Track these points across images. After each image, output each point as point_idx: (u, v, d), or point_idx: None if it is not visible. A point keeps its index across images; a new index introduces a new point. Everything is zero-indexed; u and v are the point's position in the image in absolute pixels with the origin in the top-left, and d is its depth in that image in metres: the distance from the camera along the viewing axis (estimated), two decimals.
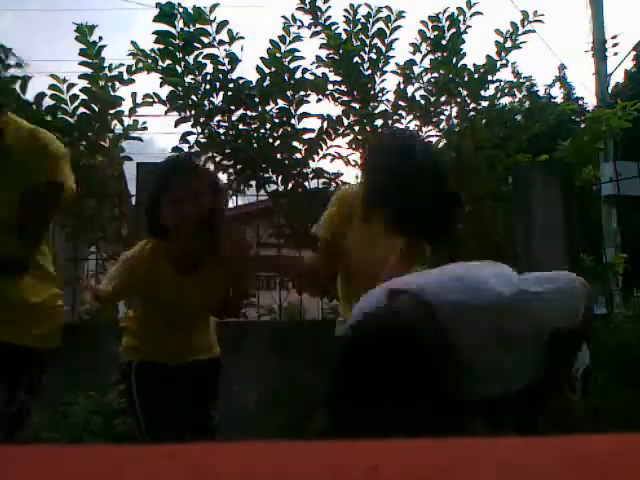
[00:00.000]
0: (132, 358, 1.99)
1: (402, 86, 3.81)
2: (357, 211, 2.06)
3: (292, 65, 3.65)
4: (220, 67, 3.60)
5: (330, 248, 2.03)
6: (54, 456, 0.40)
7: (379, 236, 1.99)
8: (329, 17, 3.74)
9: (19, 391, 1.64)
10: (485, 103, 3.97)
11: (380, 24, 3.68)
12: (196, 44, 3.55)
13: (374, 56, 3.72)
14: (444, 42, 3.75)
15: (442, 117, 3.94)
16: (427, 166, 1.68)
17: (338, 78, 3.77)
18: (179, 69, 3.59)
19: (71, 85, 3.51)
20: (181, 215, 1.83)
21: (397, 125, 3.84)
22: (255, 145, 3.69)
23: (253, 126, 3.72)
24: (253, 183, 3.83)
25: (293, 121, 3.71)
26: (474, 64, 3.83)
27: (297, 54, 3.64)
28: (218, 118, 3.70)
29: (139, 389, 1.95)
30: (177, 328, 1.97)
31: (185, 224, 1.84)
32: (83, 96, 3.54)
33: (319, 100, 3.81)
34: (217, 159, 3.75)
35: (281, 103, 3.70)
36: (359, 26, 3.69)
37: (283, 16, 3.66)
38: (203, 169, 2.06)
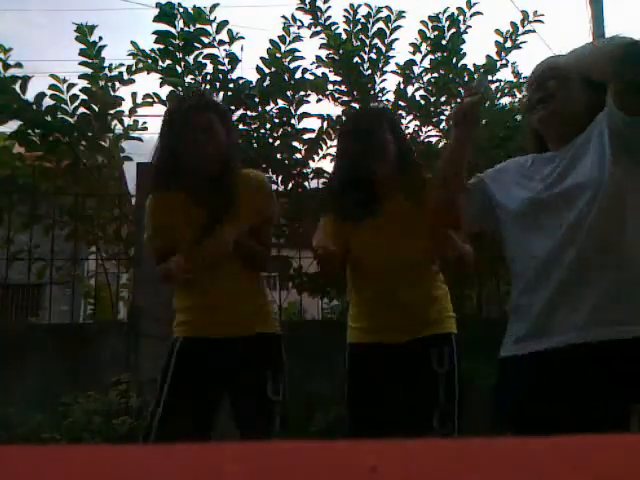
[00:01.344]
0: (178, 334, 1.86)
1: (402, 86, 3.82)
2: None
3: (292, 65, 3.65)
4: (220, 67, 3.60)
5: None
6: (54, 456, 0.40)
7: (387, 235, 1.93)
8: (329, 17, 3.75)
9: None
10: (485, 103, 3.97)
11: (380, 24, 3.68)
12: (196, 44, 3.55)
13: (374, 56, 3.73)
14: (444, 42, 3.76)
15: (442, 117, 3.94)
16: None
17: (338, 78, 3.78)
18: (179, 69, 3.59)
19: (71, 85, 3.52)
20: (201, 153, 1.75)
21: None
22: (255, 145, 3.69)
23: (253, 126, 3.72)
24: None
25: (293, 121, 3.71)
26: (474, 64, 3.84)
27: (297, 54, 3.64)
28: None
29: (176, 369, 1.79)
30: (217, 279, 1.80)
31: (206, 163, 1.76)
32: (83, 96, 3.54)
33: (319, 100, 3.82)
34: None
35: (281, 103, 3.70)
36: (359, 26, 3.69)
37: (283, 16, 3.67)
38: (214, 102, 1.92)
